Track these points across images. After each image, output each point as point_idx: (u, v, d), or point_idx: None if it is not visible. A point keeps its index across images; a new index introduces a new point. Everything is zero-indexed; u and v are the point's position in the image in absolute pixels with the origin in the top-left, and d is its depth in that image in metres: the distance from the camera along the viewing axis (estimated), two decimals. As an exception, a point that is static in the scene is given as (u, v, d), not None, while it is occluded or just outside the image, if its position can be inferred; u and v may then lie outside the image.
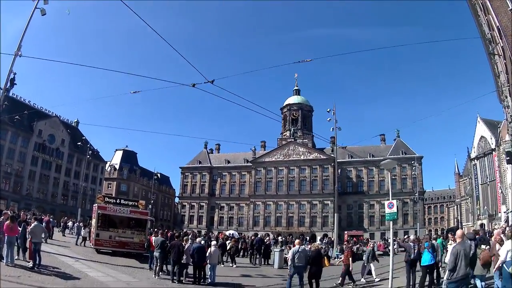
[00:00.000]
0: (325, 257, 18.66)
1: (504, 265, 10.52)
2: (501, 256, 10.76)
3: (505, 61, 25.67)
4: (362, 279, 17.80)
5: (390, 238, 19.52)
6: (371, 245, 20.40)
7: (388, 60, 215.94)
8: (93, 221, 24.21)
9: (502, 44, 22.63)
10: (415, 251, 15.29)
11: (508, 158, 39.91)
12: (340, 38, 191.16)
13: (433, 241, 16.73)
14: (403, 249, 24.36)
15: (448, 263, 9.81)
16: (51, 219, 31.45)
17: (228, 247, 26.35)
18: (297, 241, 15.41)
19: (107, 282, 14.22)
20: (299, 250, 14.05)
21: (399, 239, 44.49)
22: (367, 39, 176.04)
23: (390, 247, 17.57)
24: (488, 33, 30.04)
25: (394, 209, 15.85)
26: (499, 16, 21.22)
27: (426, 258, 14.07)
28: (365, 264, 18.44)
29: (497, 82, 37.78)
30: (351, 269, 16.63)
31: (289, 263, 14.49)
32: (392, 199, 16.14)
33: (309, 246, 16.37)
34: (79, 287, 12.80)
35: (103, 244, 22.83)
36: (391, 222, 16.86)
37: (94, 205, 25.70)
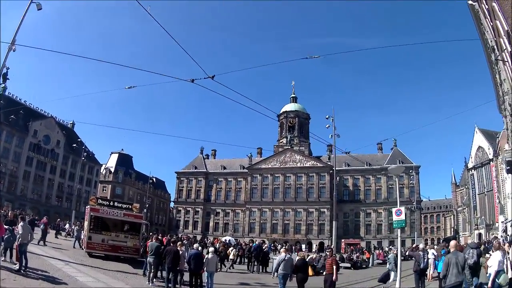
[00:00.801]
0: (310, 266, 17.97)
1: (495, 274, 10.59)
2: (493, 266, 10.73)
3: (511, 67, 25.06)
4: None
5: (397, 247, 18.80)
6: (395, 252, 19.67)
7: (385, 68, 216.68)
8: (86, 224, 23.41)
9: (510, 49, 21.90)
10: (425, 260, 14.72)
11: (508, 167, 39.20)
12: (341, 47, 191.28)
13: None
14: (402, 257, 23.71)
15: (441, 271, 10.27)
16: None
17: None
18: (283, 249, 15.45)
19: (97, 288, 13.44)
20: (285, 258, 13.96)
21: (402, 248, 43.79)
22: (366, 46, 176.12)
23: (398, 256, 16.81)
24: (491, 40, 29.50)
25: (402, 217, 15.30)
26: (508, 19, 20.56)
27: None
28: (390, 271, 17.70)
29: (498, 91, 37.19)
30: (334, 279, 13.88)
31: (273, 271, 14.39)
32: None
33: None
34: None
35: (95, 247, 22.06)
36: (399, 230, 16.23)
37: (86, 207, 24.86)
